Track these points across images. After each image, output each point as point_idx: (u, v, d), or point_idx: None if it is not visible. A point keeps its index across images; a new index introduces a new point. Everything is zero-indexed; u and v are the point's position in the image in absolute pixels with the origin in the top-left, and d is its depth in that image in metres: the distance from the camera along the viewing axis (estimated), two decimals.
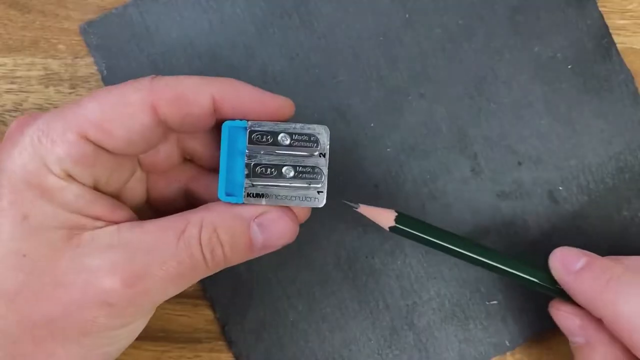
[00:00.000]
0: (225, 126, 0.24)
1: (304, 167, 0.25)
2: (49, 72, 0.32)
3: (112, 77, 0.31)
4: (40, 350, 0.23)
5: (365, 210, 0.27)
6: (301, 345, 0.31)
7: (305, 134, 0.25)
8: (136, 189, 0.28)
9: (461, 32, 0.32)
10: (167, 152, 0.27)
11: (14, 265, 0.22)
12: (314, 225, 0.30)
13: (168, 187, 0.28)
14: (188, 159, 0.29)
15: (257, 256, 0.25)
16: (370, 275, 0.31)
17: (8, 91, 0.32)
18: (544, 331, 0.31)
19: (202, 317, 0.32)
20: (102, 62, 0.31)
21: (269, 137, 0.24)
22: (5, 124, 0.32)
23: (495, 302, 0.31)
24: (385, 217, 0.27)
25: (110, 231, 0.24)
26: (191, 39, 0.31)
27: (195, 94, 0.24)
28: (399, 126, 0.32)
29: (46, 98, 0.32)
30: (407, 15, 0.32)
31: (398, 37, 0.32)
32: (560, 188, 0.31)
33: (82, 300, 0.22)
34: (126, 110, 0.23)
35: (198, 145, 0.28)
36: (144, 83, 0.24)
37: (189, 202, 0.29)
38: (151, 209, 0.29)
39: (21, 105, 0.32)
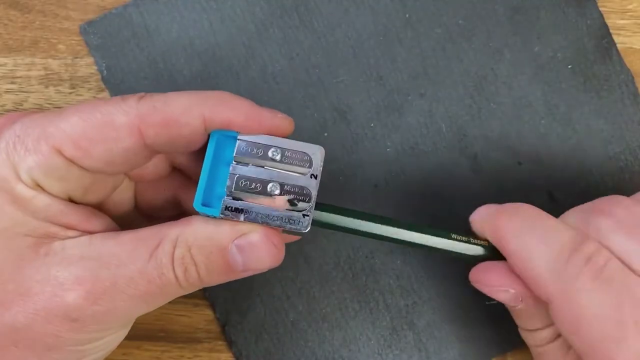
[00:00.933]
0: (213, 134, 0.23)
1: (292, 186, 0.23)
2: (49, 72, 0.32)
3: (112, 77, 0.31)
4: (3, 358, 0.22)
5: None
6: (301, 345, 0.31)
7: (299, 152, 0.23)
8: (122, 197, 0.27)
9: (461, 32, 0.32)
10: (154, 165, 0.26)
11: None
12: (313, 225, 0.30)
13: (156, 195, 0.28)
14: (177, 168, 0.28)
15: (242, 277, 0.24)
16: (370, 275, 0.31)
17: (8, 91, 0.32)
18: None
19: (202, 317, 0.32)
20: (102, 62, 0.31)
21: (259, 150, 0.23)
22: None
23: (495, 301, 0.31)
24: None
25: (82, 242, 0.23)
26: (191, 39, 0.31)
27: (185, 117, 0.22)
28: (399, 126, 0.32)
29: (46, 98, 0.32)
30: (407, 15, 0.32)
31: (398, 37, 0.32)
32: (560, 188, 0.31)
33: (46, 312, 0.22)
34: (110, 133, 0.22)
35: (186, 159, 0.27)
36: (131, 104, 0.22)
37: (178, 208, 0.28)
38: (140, 215, 0.28)
39: (21, 105, 0.32)
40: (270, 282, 0.31)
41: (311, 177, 0.23)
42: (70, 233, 0.23)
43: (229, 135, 0.23)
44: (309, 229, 0.23)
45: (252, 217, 0.23)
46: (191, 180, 0.28)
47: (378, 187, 0.31)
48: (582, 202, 0.31)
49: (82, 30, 0.32)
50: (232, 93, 0.23)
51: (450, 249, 0.26)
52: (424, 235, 0.26)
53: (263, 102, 0.31)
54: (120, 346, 0.31)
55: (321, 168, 0.23)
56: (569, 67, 0.31)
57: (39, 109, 0.31)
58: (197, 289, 0.24)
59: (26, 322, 0.22)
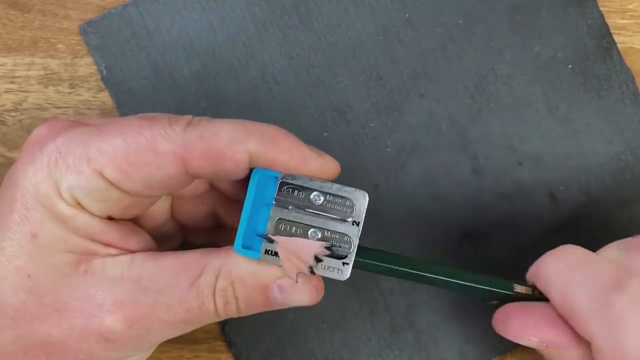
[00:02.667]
0: (255, 173, 0.22)
1: (334, 232, 0.22)
2: (48, 72, 0.32)
3: (111, 77, 0.31)
4: None
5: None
6: (301, 346, 0.31)
7: (341, 197, 0.22)
8: (159, 211, 0.27)
9: (461, 31, 0.31)
10: (194, 185, 0.26)
11: (16, 283, 0.22)
12: None
13: (194, 209, 0.28)
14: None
15: (280, 308, 0.24)
16: (370, 275, 0.31)
17: (7, 91, 0.32)
18: None
19: None
20: (102, 61, 0.31)
21: (301, 192, 0.22)
22: (4, 123, 0.31)
23: (496, 302, 0.31)
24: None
25: (123, 262, 0.23)
26: (191, 39, 0.31)
27: (231, 151, 0.22)
28: (399, 126, 0.31)
29: (46, 98, 0.32)
30: (407, 15, 0.32)
31: (398, 37, 0.32)
32: (561, 188, 0.31)
33: (82, 330, 0.22)
34: (153, 159, 0.22)
35: (226, 184, 0.27)
36: (177, 131, 0.22)
37: (216, 222, 0.28)
38: (177, 224, 0.28)
39: (21, 105, 0.32)
40: None
41: (353, 224, 0.22)
42: (111, 251, 0.23)
43: (270, 175, 0.23)
44: (348, 276, 0.23)
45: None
46: (229, 197, 0.27)
47: (378, 187, 0.31)
48: (583, 202, 0.31)
49: (81, 30, 0.32)
50: (281, 128, 0.23)
51: (504, 295, 0.26)
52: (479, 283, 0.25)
53: (263, 102, 0.31)
54: None
55: (364, 215, 0.22)
56: (570, 66, 0.31)
57: (39, 109, 0.31)
58: (235, 316, 0.24)
59: (61, 337, 0.22)
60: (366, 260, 0.24)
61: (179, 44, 0.31)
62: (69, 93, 0.32)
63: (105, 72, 0.31)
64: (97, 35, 0.31)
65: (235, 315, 0.24)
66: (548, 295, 0.24)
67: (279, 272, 0.23)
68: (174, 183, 0.23)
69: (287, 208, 0.22)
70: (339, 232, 0.22)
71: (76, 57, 0.32)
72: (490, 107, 0.31)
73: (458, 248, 0.31)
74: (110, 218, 0.23)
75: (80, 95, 0.32)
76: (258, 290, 0.23)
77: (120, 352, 0.23)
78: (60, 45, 0.32)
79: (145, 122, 0.22)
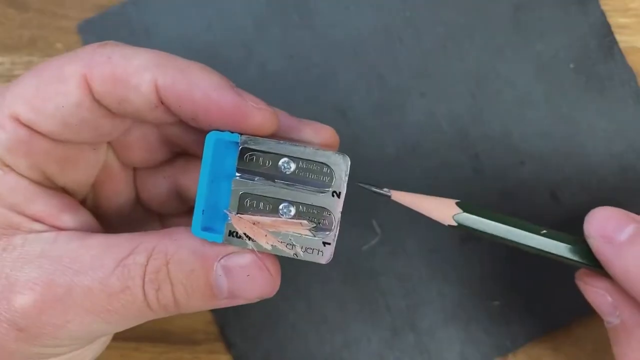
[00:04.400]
0: (210, 138, 0.19)
1: (310, 206, 0.19)
2: None
3: None
4: None
5: (406, 199, 0.21)
6: (301, 347, 0.31)
7: (317, 163, 0.19)
8: (118, 187, 0.24)
9: (462, 30, 0.31)
10: (143, 142, 0.23)
11: None
12: None
13: (157, 184, 0.25)
14: (180, 153, 0.24)
15: (224, 306, 0.20)
16: (371, 276, 0.31)
17: None
18: (546, 332, 0.31)
19: (201, 318, 0.31)
20: None
21: (267, 160, 0.19)
22: None
23: (497, 302, 0.30)
24: (443, 210, 0.21)
25: (46, 238, 0.20)
26: (189, 37, 0.31)
27: (136, 77, 0.19)
28: (400, 125, 0.31)
29: None
30: (407, 13, 0.31)
31: (399, 36, 0.31)
32: (562, 187, 0.31)
33: None
34: (60, 86, 0.19)
35: (181, 132, 0.23)
36: (87, 51, 0.19)
37: (182, 200, 0.25)
38: (147, 212, 0.26)
39: None
40: None
41: (333, 195, 0.19)
42: (37, 226, 0.20)
43: (229, 139, 0.19)
44: (329, 259, 0.19)
45: (262, 245, 0.19)
46: (191, 162, 0.24)
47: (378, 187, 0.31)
48: (584, 201, 0.31)
49: (80, 29, 0.31)
50: (209, 67, 0.20)
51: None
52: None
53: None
54: (118, 348, 0.31)
55: (346, 183, 0.19)
56: (571, 66, 0.31)
57: None
58: (170, 314, 0.20)
59: None
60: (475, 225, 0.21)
61: (177, 43, 0.31)
62: None
63: None
64: (95, 34, 0.31)
65: (172, 309, 0.20)
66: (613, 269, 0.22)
67: (225, 250, 0.19)
68: (87, 117, 0.20)
69: (252, 179, 0.19)
70: (317, 206, 0.19)
71: None
72: (492, 106, 0.31)
73: (459, 248, 0.31)
74: (49, 186, 0.21)
75: None
76: (199, 272, 0.19)
77: (36, 347, 0.19)
78: (58, 44, 0.32)
79: (63, 55, 0.20)
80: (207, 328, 0.31)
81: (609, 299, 0.23)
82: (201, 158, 0.20)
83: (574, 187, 0.31)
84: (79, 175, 0.22)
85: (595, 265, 0.23)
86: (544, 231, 0.22)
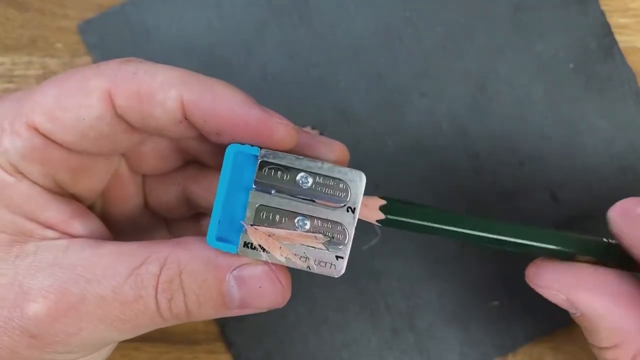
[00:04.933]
0: (230, 150, 0.19)
1: (325, 221, 0.19)
2: (46, 71, 0.31)
3: None
4: None
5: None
6: (301, 347, 0.31)
7: (334, 179, 0.19)
8: (127, 193, 0.24)
9: (462, 30, 0.31)
10: (156, 151, 0.23)
11: None
12: None
13: (166, 191, 0.25)
14: (191, 160, 0.25)
15: (235, 315, 0.21)
16: (371, 276, 0.31)
17: (6, 90, 0.31)
18: (546, 332, 0.31)
19: None
20: (101, 60, 0.31)
21: (285, 173, 0.19)
22: None
23: (496, 302, 0.30)
24: (369, 208, 0.21)
25: (58, 246, 0.20)
26: (190, 37, 0.31)
27: (161, 93, 0.19)
28: (400, 125, 0.31)
29: None
30: (407, 14, 0.31)
31: (399, 36, 0.31)
32: (562, 188, 0.31)
33: (4, 322, 0.19)
34: (82, 99, 0.19)
35: (197, 143, 0.23)
36: (112, 67, 0.20)
37: (191, 206, 0.25)
38: (155, 218, 0.26)
39: None
40: None
41: (348, 211, 0.19)
42: (49, 233, 0.20)
43: (248, 152, 0.19)
44: (342, 273, 0.20)
45: (277, 257, 0.19)
46: (202, 170, 0.24)
47: (379, 187, 0.31)
48: (584, 201, 0.31)
49: (80, 29, 0.31)
50: (231, 85, 0.20)
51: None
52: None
53: (262, 101, 0.31)
54: (118, 348, 0.31)
55: (361, 199, 0.19)
56: (571, 66, 0.31)
57: None
58: (181, 322, 0.20)
59: None
60: (402, 219, 0.21)
61: (177, 43, 0.31)
62: None
63: None
64: (95, 34, 0.31)
65: (184, 319, 0.20)
66: None
67: (238, 261, 0.20)
68: (107, 130, 0.20)
69: (269, 192, 0.19)
70: (332, 221, 0.19)
71: (75, 56, 0.32)
72: (491, 107, 0.31)
73: (459, 248, 0.31)
74: (61, 191, 0.21)
75: None
76: (211, 282, 0.19)
77: (47, 354, 0.20)
78: (58, 45, 0.32)
79: (83, 67, 0.20)
80: (207, 328, 0.31)
81: (562, 296, 0.22)
82: (213, 167, 0.21)
83: (574, 187, 0.31)
84: (90, 183, 0.22)
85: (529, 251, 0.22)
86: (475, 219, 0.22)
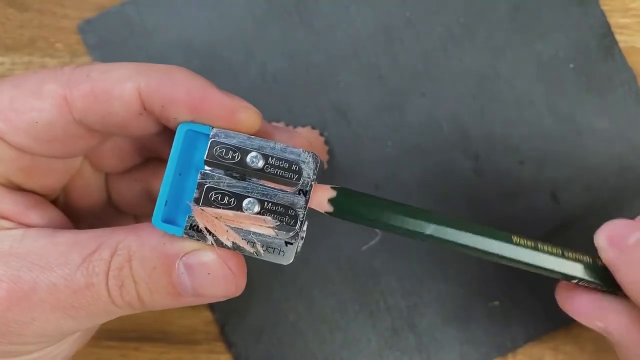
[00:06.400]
0: (181, 128, 0.19)
1: (275, 204, 0.18)
2: None
3: None
4: None
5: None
6: (301, 347, 0.31)
7: (286, 160, 0.18)
8: (89, 189, 0.24)
9: (462, 30, 0.31)
10: (116, 150, 0.23)
11: None
12: (313, 225, 0.30)
13: (128, 187, 0.25)
14: (152, 157, 0.24)
15: (194, 304, 0.20)
16: (371, 276, 0.31)
17: None
18: (546, 332, 0.31)
19: (201, 318, 0.31)
20: (100, 60, 0.31)
21: (236, 154, 0.18)
22: None
23: (496, 302, 0.30)
24: (319, 197, 0.20)
25: (14, 235, 0.19)
26: (190, 37, 0.31)
27: (118, 88, 0.19)
28: (400, 126, 0.31)
29: None
30: (407, 14, 0.31)
31: (399, 36, 0.31)
32: (562, 188, 0.31)
33: None
34: (36, 102, 0.19)
35: (156, 139, 0.22)
36: (65, 71, 0.19)
37: (153, 202, 0.24)
38: (119, 213, 0.25)
39: None
40: (269, 283, 0.31)
41: (299, 194, 0.19)
42: (4, 223, 0.20)
43: (200, 131, 0.19)
44: (292, 260, 0.19)
45: (223, 241, 0.19)
46: (165, 166, 0.23)
47: (379, 187, 0.31)
48: (585, 202, 0.31)
49: (80, 29, 0.31)
50: (186, 69, 0.20)
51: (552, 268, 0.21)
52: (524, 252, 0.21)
53: (262, 101, 0.31)
54: (118, 347, 0.31)
55: (312, 182, 0.18)
56: (571, 66, 0.31)
57: None
58: (139, 310, 0.20)
59: None
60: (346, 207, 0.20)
61: (177, 43, 0.31)
62: None
63: None
64: (95, 34, 0.31)
65: (138, 307, 0.19)
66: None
67: (190, 246, 0.19)
68: (65, 135, 0.20)
69: (219, 173, 0.19)
70: (282, 204, 0.18)
71: (75, 56, 0.32)
72: (492, 107, 0.31)
73: None
74: (14, 186, 0.21)
75: None
76: (160, 270, 0.19)
77: (2, 343, 0.19)
78: (58, 44, 0.32)
79: (39, 69, 0.20)
80: (207, 328, 0.31)
81: (599, 324, 0.22)
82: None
83: (574, 187, 0.31)
84: (46, 182, 0.22)
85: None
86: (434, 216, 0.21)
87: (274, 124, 0.31)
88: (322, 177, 0.31)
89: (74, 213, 0.24)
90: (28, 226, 0.20)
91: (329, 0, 0.31)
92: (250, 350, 0.31)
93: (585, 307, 0.22)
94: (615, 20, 0.31)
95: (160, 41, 0.31)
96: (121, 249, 0.19)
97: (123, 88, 0.19)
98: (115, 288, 0.19)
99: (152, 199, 0.24)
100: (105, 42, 0.31)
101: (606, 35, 0.31)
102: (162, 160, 0.24)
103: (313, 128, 0.31)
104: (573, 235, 0.31)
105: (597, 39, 0.31)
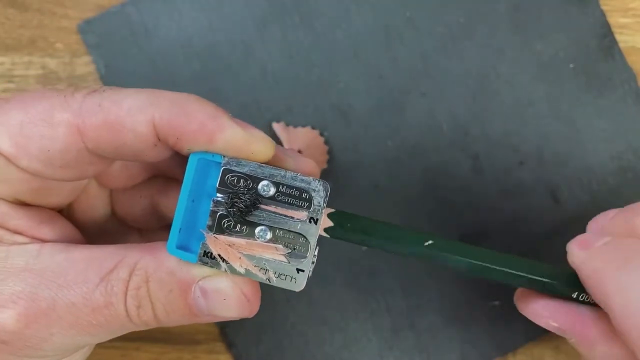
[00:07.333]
0: (193, 157, 0.19)
1: (286, 232, 0.19)
2: (46, 71, 0.31)
3: (110, 75, 0.31)
4: None
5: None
6: (301, 347, 0.31)
7: (297, 188, 0.19)
8: (93, 203, 0.24)
9: (462, 30, 0.31)
10: (123, 170, 0.23)
11: None
12: None
13: (133, 203, 0.25)
14: (158, 174, 0.25)
15: (209, 322, 0.21)
16: (371, 276, 0.31)
17: (6, 90, 0.31)
18: (546, 332, 0.31)
19: None
20: (101, 60, 0.31)
21: (247, 182, 0.19)
22: None
23: (497, 302, 0.30)
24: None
25: (29, 250, 0.20)
26: (190, 37, 0.31)
27: (131, 120, 0.19)
28: (400, 125, 0.31)
29: None
30: (408, 14, 0.31)
31: (399, 36, 0.31)
32: (562, 188, 0.31)
33: None
34: (47, 130, 0.19)
35: (165, 160, 0.22)
36: (76, 98, 0.19)
37: (159, 217, 0.25)
38: (121, 224, 0.26)
39: None
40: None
41: (310, 222, 0.19)
42: (18, 238, 0.20)
43: (211, 160, 0.19)
44: (303, 287, 0.19)
45: (236, 268, 0.19)
46: (169, 183, 0.25)
47: (378, 187, 0.31)
48: (584, 201, 0.31)
49: (80, 29, 0.31)
50: (197, 96, 0.20)
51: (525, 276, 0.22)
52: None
53: (262, 101, 0.31)
54: (118, 348, 0.31)
55: (323, 210, 0.19)
56: (571, 66, 0.31)
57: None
58: (154, 327, 0.20)
59: None
60: (351, 234, 0.20)
61: (178, 43, 0.31)
62: None
63: (104, 71, 0.31)
64: (95, 34, 0.31)
65: (154, 325, 0.20)
66: (608, 310, 0.21)
67: (206, 272, 0.19)
68: (78, 162, 0.20)
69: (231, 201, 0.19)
70: (294, 232, 0.19)
71: (75, 56, 0.32)
72: (492, 106, 0.31)
73: None
74: (24, 203, 0.21)
75: None
76: (177, 293, 0.19)
77: (20, 356, 0.20)
78: (58, 44, 0.32)
79: (49, 92, 0.20)
80: (207, 328, 0.31)
81: (554, 324, 0.22)
82: (180, 180, 0.20)
83: (574, 187, 0.31)
84: (55, 201, 0.22)
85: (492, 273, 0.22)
86: (430, 242, 0.21)
87: (274, 124, 0.31)
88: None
89: (77, 225, 0.24)
90: (42, 241, 0.20)
91: (328, 0, 0.31)
92: (250, 351, 0.31)
93: (541, 309, 0.23)
94: (615, 20, 0.31)
95: (160, 41, 0.31)
96: (139, 269, 0.19)
97: (137, 121, 0.19)
98: (133, 308, 0.19)
99: (156, 214, 0.25)
100: (105, 42, 0.31)
101: (606, 35, 0.31)
102: (168, 178, 0.25)
103: (313, 128, 0.31)
104: (573, 235, 0.31)
105: (597, 39, 0.31)
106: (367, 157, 0.31)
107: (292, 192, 0.19)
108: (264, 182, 0.19)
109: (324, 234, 0.20)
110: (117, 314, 0.19)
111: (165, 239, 0.20)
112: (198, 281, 0.19)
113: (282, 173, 0.19)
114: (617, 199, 0.31)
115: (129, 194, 0.25)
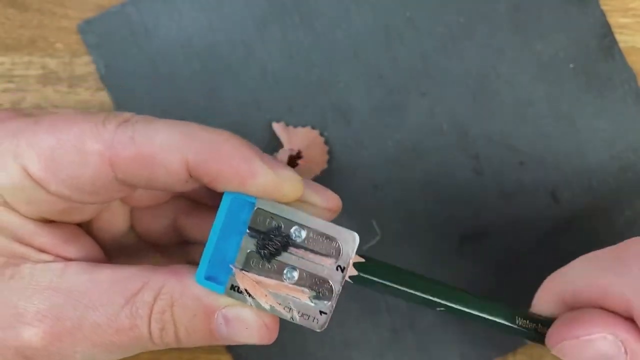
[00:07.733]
0: (227, 197, 0.20)
1: (313, 276, 0.20)
2: (46, 71, 0.31)
3: (110, 75, 0.31)
4: None
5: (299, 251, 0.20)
6: (301, 347, 0.31)
7: (327, 237, 0.20)
8: (114, 220, 0.24)
9: (462, 30, 0.31)
10: (149, 192, 0.24)
11: None
12: None
13: (154, 221, 0.25)
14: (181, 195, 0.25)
15: (226, 344, 0.21)
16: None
17: (6, 90, 0.31)
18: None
19: None
20: (101, 60, 0.31)
21: (279, 224, 0.19)
22: None
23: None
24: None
25: (54, 269, 0.20)
26: (190, 37, 0.31)
27: (164, 158, 0.19)
28: (400, 126, 0.31)
29: (44, 97, 0.31)
30: (408, 14, 0.31)
31: (399, 36, 0.31)
32: (562, 188, 0.31)
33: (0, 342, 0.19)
34: (78, 158, 0.19)
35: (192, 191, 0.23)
36: (108, 129, 0.19)
37: (179, 235, 0.26)
38: (139, 238, 0.26)
39: (19, 104, 0.31)
40: None
41: (337, 269, 0.20)
42: (44, 257, 0.20)
43: (245, 200, 0.20)
44: (324, 328, 0.20)
45: (261, 304, 0.20)
46: (192, 205, 0.25)
47: (378, 187, 0.31)
48: (585, 202, 0.31)
49: (80, 29, 0.31)
50: (233, 135, 0.20)
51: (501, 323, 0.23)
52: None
53: (262, 101, 0.31)
54: None
55: (351, 260, 0.20)
56: (571, 66, 0.31)
57: (37, 108, 0.31)
58: (174, 347, 0.21)
59: None
60: (368, 277, 0.21)
61: (178, 43, 0.31)
62: (68, 92, 0.31)
63: (104, 71, 0.31)
64: (95, 34, 0.31)
65: (174, 345, 0.21)
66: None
67: (228, 300, 0.20)
68: (107, 189, 0.20)
69: (262, 241, 0.20)
70: (319, 276, 0.20)
71: (75, 56, 0.32)
72: (492, 106, 0.31)
73: (459, 248, 0.31)
74: (48, 220, 0.21)
75: (78, 94, 0.31)
76: (201, 318, 0.20)
77: None
78: (58, 44, 0.32)
79: (80, 118, 0.20)
80: None
81: (610, 337, 0.21)
82: (204, 203, 0.22)
83: (574, 187, 0.31)
84: (78, 218, 0.22)
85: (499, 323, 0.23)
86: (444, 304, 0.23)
87: (274, 124, 0.31)
88: (322, 176, 0.31)
89: (95, 238, 0.24)
90: (66, 259, 0.21)
91: (328, 0, 0.31)
92: (250, 351, 0.31)
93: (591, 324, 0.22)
94: (615, 20, 0.31)
95: (161, 41, 0.31)
96: (164, 293, 0.20)
97: (170, 159, 0.19)
98: (157, 330, 0.20)
99: (176, 232, 0.25)
100: (106, 42, 0.31)
101: (606, 35, 0.31)
102: (191, 199, 0.25)
103: (313, 128, 0.31)
104: (573, 235, 0.31)
105: (597, 39, 0.31)
106: (367, 157, 0.31)
107: (323, 239, 0.20)
108: (296, 227, 0.20)
109: (349, 280, 0.21)
110: (141, 336, 0.20)
111: (184, 257, 0.21)
112: (222, 309, 0.20)
113: (314, 220, 0.19)
114: (617, 199, 0.31)
115: (150, 212, 0.25)
